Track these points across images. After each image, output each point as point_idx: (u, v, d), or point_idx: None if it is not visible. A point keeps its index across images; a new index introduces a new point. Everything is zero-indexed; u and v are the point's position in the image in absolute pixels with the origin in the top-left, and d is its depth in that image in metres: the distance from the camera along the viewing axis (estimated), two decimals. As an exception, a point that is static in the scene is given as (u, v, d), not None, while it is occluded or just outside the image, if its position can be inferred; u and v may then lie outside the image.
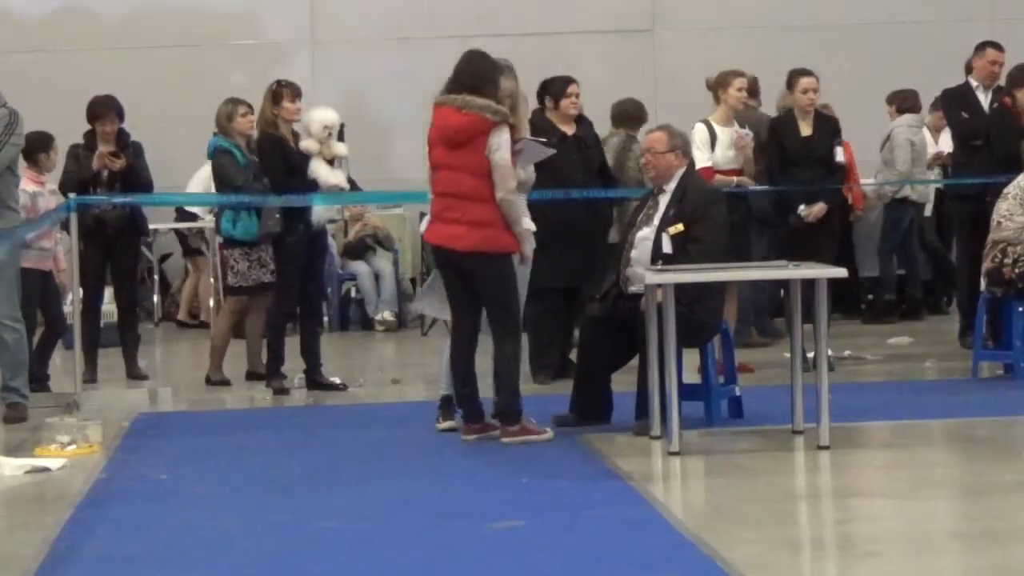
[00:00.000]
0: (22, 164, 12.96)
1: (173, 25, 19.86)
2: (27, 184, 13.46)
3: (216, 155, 13.97)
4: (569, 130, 13.37)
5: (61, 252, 14.00)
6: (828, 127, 14.48)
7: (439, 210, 10.83)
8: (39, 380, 13.58)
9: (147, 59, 19.36)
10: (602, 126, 14.81)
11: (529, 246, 10.89)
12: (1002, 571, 7.25)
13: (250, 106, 14.03)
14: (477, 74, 10.72)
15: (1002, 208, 12.83)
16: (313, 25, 20.09)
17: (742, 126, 14.41)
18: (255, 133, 13.79)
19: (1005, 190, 12.92)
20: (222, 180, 13.99)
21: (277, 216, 13.35)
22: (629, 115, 15.26)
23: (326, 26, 20.11)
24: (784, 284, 11.62)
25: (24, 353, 12.37)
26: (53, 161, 14.10)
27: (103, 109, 14.17)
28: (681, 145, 11.38)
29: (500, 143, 10.54)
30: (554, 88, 13.36)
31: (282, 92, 13.44)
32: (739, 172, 14.30)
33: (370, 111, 19.50)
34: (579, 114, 13.56)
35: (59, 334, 14.13)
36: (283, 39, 20.14)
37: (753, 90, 15.74)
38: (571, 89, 13.39)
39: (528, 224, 11.17)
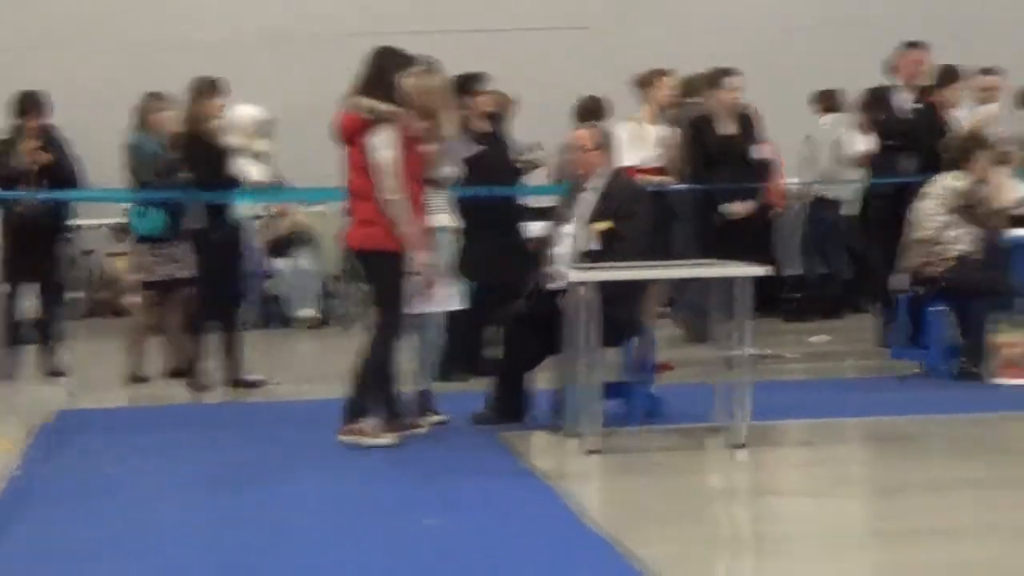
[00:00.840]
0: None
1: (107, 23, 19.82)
2: None
3: (128, 149, 13.89)
4: (484, 127, 13.31)
5: None
6: (749, 125, 14.56)
7: (347, 209, 10.93)
8: None
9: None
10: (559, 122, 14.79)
11: (445, 249, 10.98)
12: (914, 568, 7.31)
13: (171, 101, 13.94)
14: (370, 72, 10.69)
15: (922, 208, 12.90)
16: (243, 26, 20.02)
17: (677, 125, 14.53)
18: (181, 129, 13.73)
19: (924, 190, 12.99)
20: (132, 174, 13.88)
21: (198, 212, 13.33)
22: (591, 111, 15.23)
23: (253, 27, 20.02)
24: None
25: None
26: None
27: (30, 104, 14.12)
28: (606, 142, 11.42)
29: (377, 143, 10.44)
30: (468, 85, 13.29)
31: (208, 89, 13.38)
32: (663, 170, 14.36)
33: (299, 110, 19.38)
34: (493, 111, 13.53)
35: None
36: (216, 38, 20.02)
37: (691, 87, 15.84)
38: (482, 86, 13.33)
39: (450, 221, 11.19)
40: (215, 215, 13.37)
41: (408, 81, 10.64)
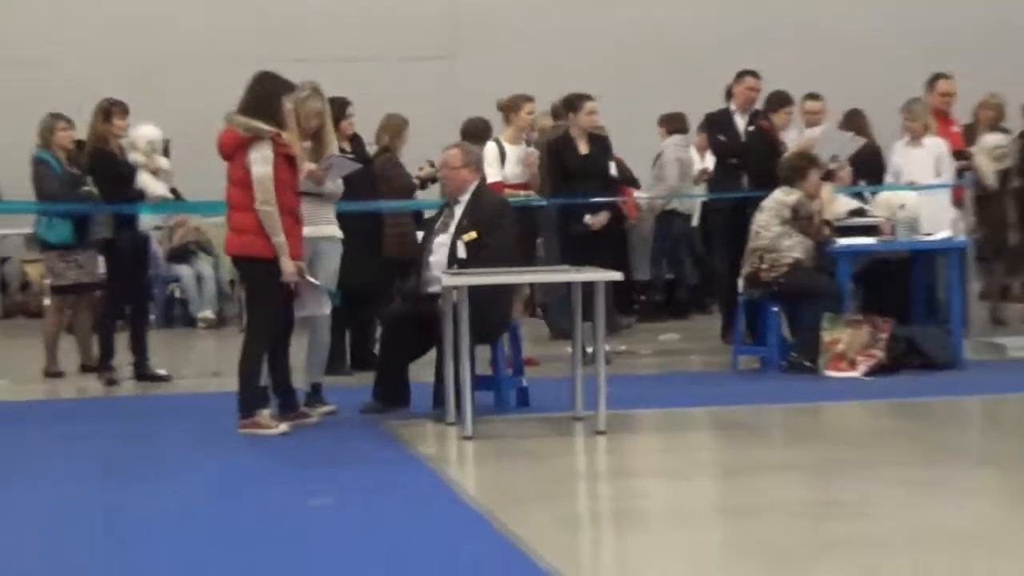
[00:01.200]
0: None
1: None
2: None
3: (34, 165, 13.79)
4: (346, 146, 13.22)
5: None
6: (603, 145, 14.63)
7: (227, 219, 10.87)
8: None
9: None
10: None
11: (323, 260, 10.95)
12: (758, 542, 7.35)
13: (70, 121, 13.92)
14: (252, 95, 10.61)
15: (759, 220, 13.03)
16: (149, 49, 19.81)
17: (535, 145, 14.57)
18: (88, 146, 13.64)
19: (762, 204, 13.12)
20: (39, 189, 13.76)
21: (105, 222, 13.33)
22: (478, 131, 15.18)
23: (161, 50, 19.81)
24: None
25: None
26: None
27: None
28: (474, 161, 11.46)
29: (256, 157, 10.37)
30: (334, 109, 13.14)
31: (111, 109, 13.32)
32: (526, 186, 14.40)
33: (197, 129, 19.17)
34: (353, 133, 13.48)
35: None
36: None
37: (558, 112, 15.89)
38: (349, 111, 13.24)
39: (335, 232, 11.20)
40: (120, 225, 13.33)
41: (290, 105, 10.65)
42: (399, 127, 14.49)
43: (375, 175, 13.91)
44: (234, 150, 10.48)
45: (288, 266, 10.38)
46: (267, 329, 10.63)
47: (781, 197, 12.98)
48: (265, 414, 10.50)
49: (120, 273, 13.52)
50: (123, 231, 13.42)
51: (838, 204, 13.89)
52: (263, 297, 10.60)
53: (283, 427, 10.44)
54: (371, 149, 14.01)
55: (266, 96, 10.57)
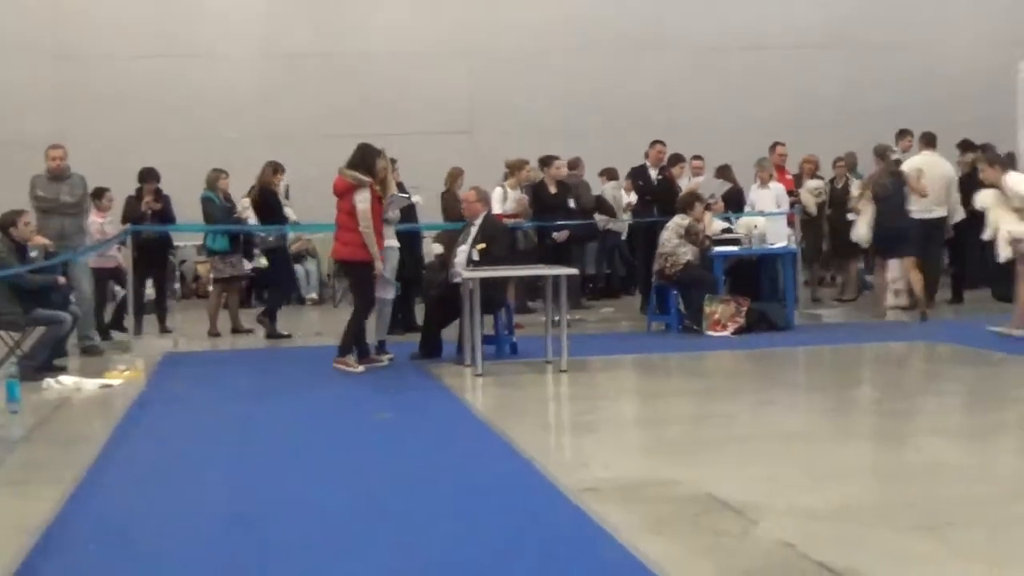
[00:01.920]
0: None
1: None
2: (96, 217, 13.32)
3: (203, 202, 13.77)
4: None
5: (122, 258, 13.67)
6: (566, 188, 14.61)
7: (335, 235, 10.76)
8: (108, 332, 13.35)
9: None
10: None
11: (388, 261, 10.82)
12: (667, 441, 7.34)
13: (226, 172, 13.94)
14: (356, 156, 10.62)
15: (664, 235, 12.99)
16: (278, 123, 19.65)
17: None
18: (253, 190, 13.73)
19: (667, 225, 13.07)
20: (206, 216, 13.76)
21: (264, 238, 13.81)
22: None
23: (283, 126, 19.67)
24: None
25: (91, 316, 12.19)
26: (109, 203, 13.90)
27: (147, 174, 14.00)
28: (485, 198, 11.47)
29: (360, 198, 10.40)
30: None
31: (276, 167, 13.62)
32: (517, 216, 14.36)
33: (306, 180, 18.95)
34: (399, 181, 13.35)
35: (124, 306, 13.84)
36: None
37: (573, 164, 16.05)
38: (396, 166, 12.47)
39: (395, 243, 11.16)
40: (277, 239, 13.77)
41: (381, 163, 10.64)
42: (456, 175, 14.57)
43: (443, 206, 14.17)
44: (345, 191, 10.45)
45: (379, 266, 10.44)
46: (366, 305, 10.63)
47: (679, 220, 12.94)
48: (351, 359, 10.46)
49: (281, 267, 13.96)
50: (279, 241, 13.76)
51: (714, 225, 13.86)
52: (363, 286, 10.60)
53: (361, 368, 10.40)
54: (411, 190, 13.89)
55: (365, 158, 10.56)
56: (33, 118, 18.27)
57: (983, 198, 11.67)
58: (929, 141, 14.72)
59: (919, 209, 13.92)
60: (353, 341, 10.57)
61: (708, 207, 13.69)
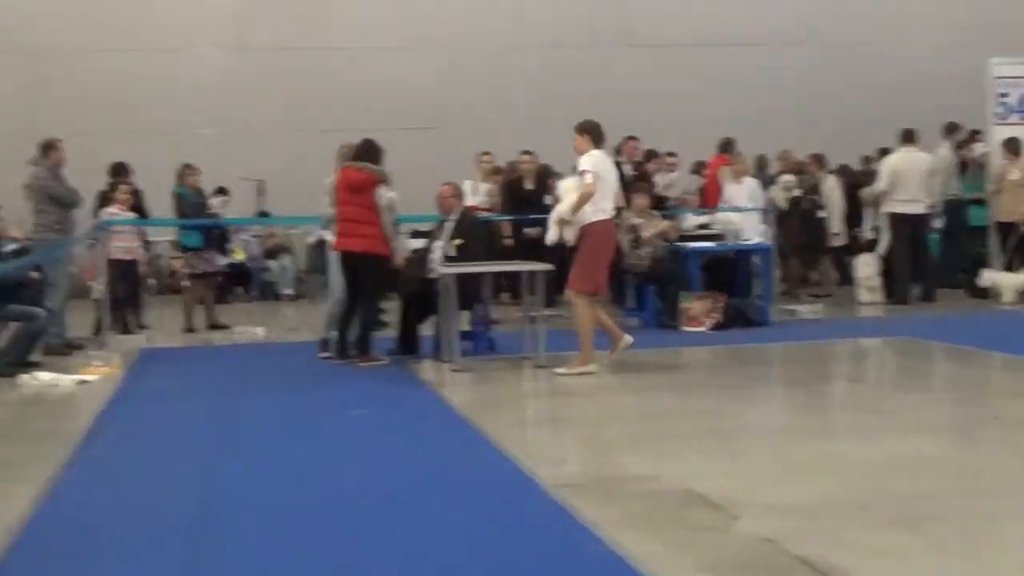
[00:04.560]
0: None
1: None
2: (114, 209, 13.13)
3: (175, 197, 13.62)
4: None
5: (140, 251, 13.52)
6: (543, 183, 14.57)
7: (343, 229, 10.53)
8: (125, 326, 13.09)
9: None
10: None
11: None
12: (644, 435, 7.32)
13: (197, 168, 13.77)
14: (367, 151, 10.55)
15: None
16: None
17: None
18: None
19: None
20: (179, 212, 13.60)
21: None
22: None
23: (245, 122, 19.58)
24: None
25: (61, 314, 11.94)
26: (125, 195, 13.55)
27: (119, 169, 13.86)
28: (459, 193, 11.41)
29: (383, 191, 10.36)
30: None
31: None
32: (491, 209, 14.34)
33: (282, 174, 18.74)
34: None
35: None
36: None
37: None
38: None
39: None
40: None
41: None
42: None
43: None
44: (363, 185, 10.36)
45: (399, 258, 10.57)
46: (380, 299, 10.69)
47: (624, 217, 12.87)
48: (375, 353, 10.45)
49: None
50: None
51: (690, 221, 13.92)
52: (380, 280, 10.56)
53: (386, 360, 10.43)
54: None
55: (373, 152, 10.54)
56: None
57: None
58: (908, 138, 14.78)
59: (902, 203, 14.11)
60: (370, 336, 10.52)
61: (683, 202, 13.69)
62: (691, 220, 14.18)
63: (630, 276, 13.02)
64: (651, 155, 15.31)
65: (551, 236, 9.90)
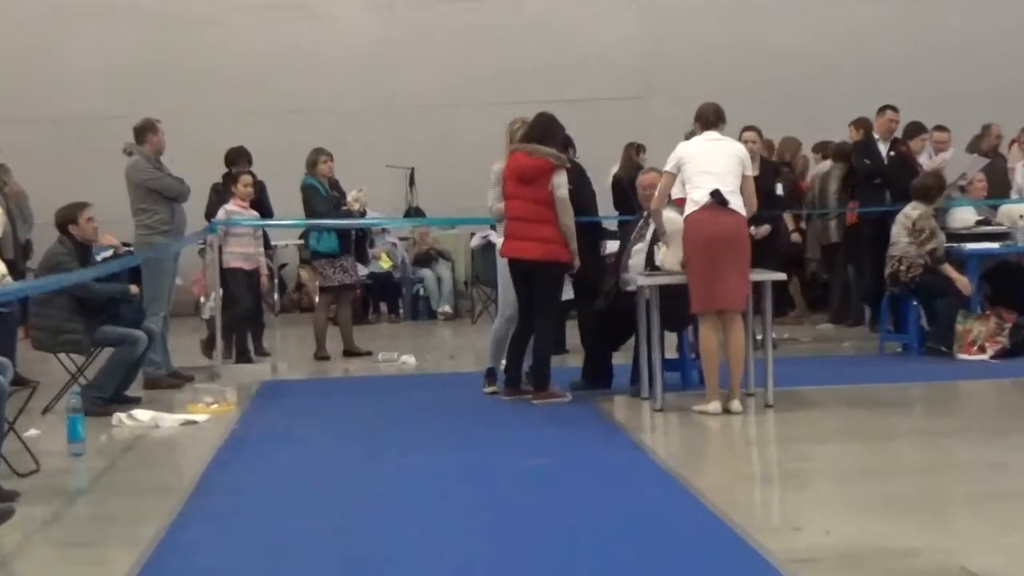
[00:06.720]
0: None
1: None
2: (233, 206, 13.72)
3: (304, 190, 13.83)
4: None
5: (263, 260, 14.04)
6: (776, 168, 14.54)
7: (512, 230, 10.63)
8: (244, 352, 13.67)
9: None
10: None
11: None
12: (896, 497, 7.26)
13: (329, 154, 13.99)
14: (543, 129, 10.59)
15: (893, 231, 12.82)
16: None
17: None
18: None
19: (896, 217, 12.90)
20: (308, 209, 13.82)
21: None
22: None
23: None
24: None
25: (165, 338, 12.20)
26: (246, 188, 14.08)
27: (238, 156, 14.27)
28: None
29: (561, 182, 10.42)
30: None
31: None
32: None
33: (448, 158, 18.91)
34: None
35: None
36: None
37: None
38: None
39: None
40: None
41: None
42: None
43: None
44: (538, 174, 10.43)
45: (577, 263, 10.51)
46: (557, 315, 10.81)
47: (908, 212, 12.74)
48: (555, 388, 10.54)
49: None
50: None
51: (967, 216, 13.72)
52: (558, 292, 10.67)
53: (568, 396, 10.55)
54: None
55: (553, 129, 10.61)
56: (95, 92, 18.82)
57: None
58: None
59: None
60: (548, 365, 10.60)
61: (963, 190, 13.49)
62: (965, 214, 13.95)
63: (890, 287, 12.85)
64: (915, 130, 15.03)
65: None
